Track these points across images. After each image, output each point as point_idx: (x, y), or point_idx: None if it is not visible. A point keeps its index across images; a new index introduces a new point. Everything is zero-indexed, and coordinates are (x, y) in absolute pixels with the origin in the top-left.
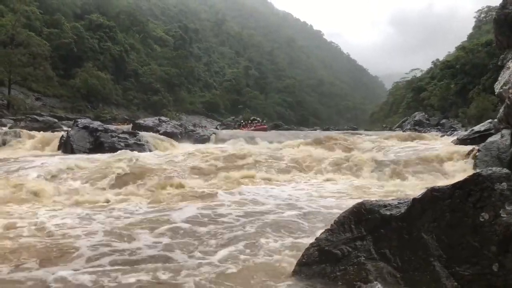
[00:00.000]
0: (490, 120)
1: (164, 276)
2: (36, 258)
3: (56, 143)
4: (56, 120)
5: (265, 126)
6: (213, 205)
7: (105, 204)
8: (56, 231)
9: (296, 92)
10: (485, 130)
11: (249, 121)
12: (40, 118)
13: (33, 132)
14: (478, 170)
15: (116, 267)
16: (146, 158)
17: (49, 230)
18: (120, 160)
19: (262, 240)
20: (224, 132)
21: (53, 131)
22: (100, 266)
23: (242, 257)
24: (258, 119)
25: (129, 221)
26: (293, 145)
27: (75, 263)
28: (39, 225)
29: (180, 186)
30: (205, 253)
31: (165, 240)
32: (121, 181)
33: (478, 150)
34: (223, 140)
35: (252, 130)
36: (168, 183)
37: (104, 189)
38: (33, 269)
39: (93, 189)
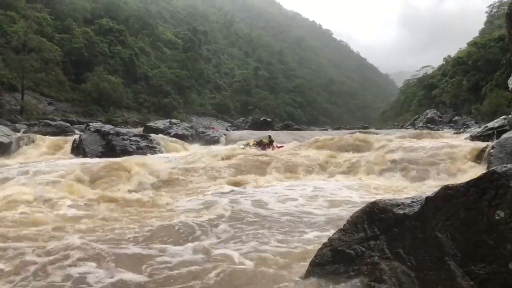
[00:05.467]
0: (504, 116)
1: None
2: None
3: (68, 147)
4: (68, 125)
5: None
6: None
7: None
8: None
9: (306, 92)
10: (499, 127)
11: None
12: (53, 123)
13: (46, 137)
14: (492, 167)
15: None
16: None
17: None
18: None
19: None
20: (236, 133)
21: (65, 135)
22: None
23: (255, 255)
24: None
25: None
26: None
27: None
28: None
29: None
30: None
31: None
32: None
33: (492, 147)
34: (233, 141)
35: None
36: None
37: None
38: None
39: None
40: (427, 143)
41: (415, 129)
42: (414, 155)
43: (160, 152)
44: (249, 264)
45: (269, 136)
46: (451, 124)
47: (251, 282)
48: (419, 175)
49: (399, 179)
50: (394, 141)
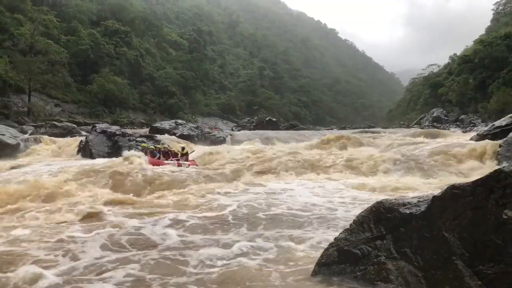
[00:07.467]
0: (511, 115)
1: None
2: None
3: (75, 148)
4: (75, 126)
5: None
6: None
7: None
8: None
9: (312, 91)
10: (506, 125)
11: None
12: (59, 124)
13: (53, 138)
14: (500, 166)
15: None
16: None
17: None
18: None
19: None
20: (241, 133)
21: (72, 137)
22: None
23: (262, 256)
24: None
25: None
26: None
27: None
28: None
29: None
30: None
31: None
32: None
33: (500, 146)
34: (239, 142)
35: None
36: None
37: None
38: None
39: None
40: (433, 141)
41: (421, 128)
42: (419, 154)
43: None
44: (256, 262)
45: (183, 148)
46: (457, 123)
47: (255, 280)
48: (424, 174)
49: (404, 178)
50: (399, 140)
